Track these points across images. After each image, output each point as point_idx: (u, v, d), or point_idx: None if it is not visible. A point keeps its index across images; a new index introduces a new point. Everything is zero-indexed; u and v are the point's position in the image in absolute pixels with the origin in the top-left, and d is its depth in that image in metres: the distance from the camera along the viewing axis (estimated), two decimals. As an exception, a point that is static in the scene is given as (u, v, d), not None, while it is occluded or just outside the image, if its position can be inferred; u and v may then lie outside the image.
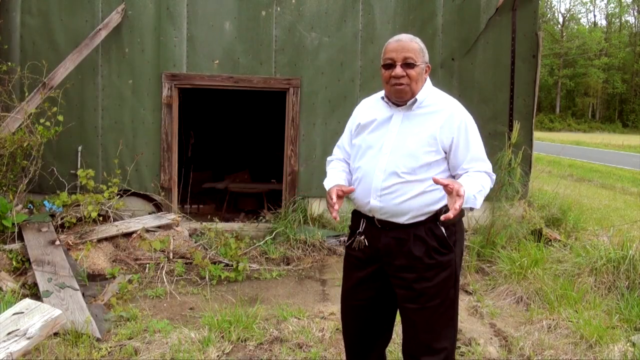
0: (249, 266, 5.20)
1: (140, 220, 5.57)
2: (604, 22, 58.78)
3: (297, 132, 6.17)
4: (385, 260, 2.32)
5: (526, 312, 4.22)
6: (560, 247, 5.35)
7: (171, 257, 5.15)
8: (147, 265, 4.96)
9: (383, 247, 2.30)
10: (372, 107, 2.44)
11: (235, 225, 6.22)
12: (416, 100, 2.30)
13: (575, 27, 56.25)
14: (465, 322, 4.00)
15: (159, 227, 5.51)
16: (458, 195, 2.00)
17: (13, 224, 4.85)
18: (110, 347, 3.43)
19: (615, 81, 49.37)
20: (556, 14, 57.71)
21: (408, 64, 2.25)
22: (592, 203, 9.07)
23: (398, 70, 2.25)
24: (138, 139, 6.09)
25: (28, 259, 4.55)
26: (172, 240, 5.29)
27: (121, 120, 6.07)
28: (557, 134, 38.20)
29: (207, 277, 4.83)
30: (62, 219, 5.26)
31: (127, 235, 5.28)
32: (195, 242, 5.44)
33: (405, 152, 2.25)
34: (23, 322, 2.84)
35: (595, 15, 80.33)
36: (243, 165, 9.43)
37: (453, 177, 2.33)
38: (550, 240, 5.59)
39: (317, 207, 6.15)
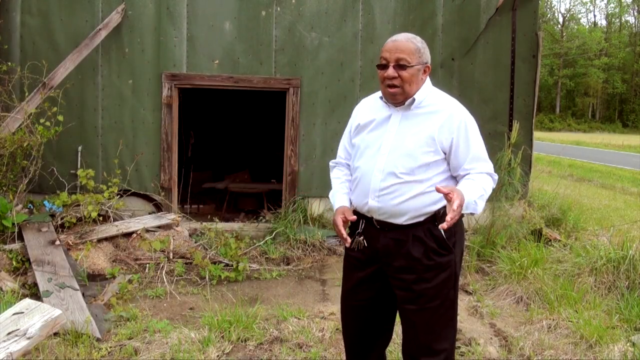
0: (249, 266, 5.20)
1: (140, 220, 5.57)
2: (604, 22, 58.84)
3: (297, 132, 6.17)
4: (385, 261, 2.31)
5: (526, 312, 4.22)
6: (560, 247, 5.34)
7: (171, 257, 5.15)
8: (147, 265, 4.96)
9: (382, 248, 2.30)
10: (371, 106, 2.43)
11: (235, 225, 6.22)
12: (414, 100, 2.28)
13: (575, 27, 56.22)
14: (465, 322, 4.00)
15: (159, 227, 5.51)
16: (456, 208, 2.00)
17: (13, 224, 4.85)
18: (110, 347, 3.43)
19: (615, 81, 49.33)
20: (556, 14, 57.75)
21: (400, 65, 2.23)
22: (592, 203, 9.07)
23: (390, 71, 2.24)
24: (138, 139, 6.09)
25: (28, 259, 4.55)
26: (172, 240, 5.29)
27: (121, 120, 6.07)
28: (557, 134, 38.17)
29: (207, 277, 4.83)
30: (62, 219, 5.26)
31: (127, 235, 5.28)
32: (195, 242, 5.44)
33: (404, 152, 2.24)
34: (23, 322, 2.84)
35: (595, 15, 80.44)
36: (243, 165, 9.42)
37: (454, 178, 2.32)
38: (550, 240, 5.59)
39: (317, 207, 6.15)
